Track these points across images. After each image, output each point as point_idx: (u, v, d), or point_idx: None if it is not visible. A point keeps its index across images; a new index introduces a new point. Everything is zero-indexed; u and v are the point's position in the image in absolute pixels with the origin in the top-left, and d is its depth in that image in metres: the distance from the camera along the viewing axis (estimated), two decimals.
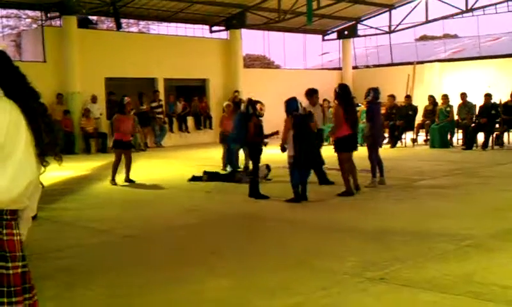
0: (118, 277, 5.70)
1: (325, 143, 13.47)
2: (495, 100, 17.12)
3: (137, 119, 17.69)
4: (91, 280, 5.60)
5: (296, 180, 9.28)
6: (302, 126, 9.23)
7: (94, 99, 19.71)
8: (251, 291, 5.12)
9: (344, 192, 9.66)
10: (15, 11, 26.84)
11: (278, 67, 33.28)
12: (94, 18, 24.43)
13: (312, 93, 11.28)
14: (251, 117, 9.81)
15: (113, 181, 11.84)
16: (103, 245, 7.10)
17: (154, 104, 20.99)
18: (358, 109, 13.02)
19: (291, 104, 9.44)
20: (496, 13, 25.36)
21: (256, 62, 37.17)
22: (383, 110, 14.35)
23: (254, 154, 9.87)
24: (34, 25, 24.03)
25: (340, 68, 28.71)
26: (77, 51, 19.25)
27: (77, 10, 18.92)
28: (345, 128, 9.70)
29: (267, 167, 11.65)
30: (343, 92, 10.00)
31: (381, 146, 11.14)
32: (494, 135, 16.65)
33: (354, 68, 28.60)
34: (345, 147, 9.78)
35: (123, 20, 23.58)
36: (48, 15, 20.19)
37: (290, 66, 29.81)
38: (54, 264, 6.11)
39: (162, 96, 21.86)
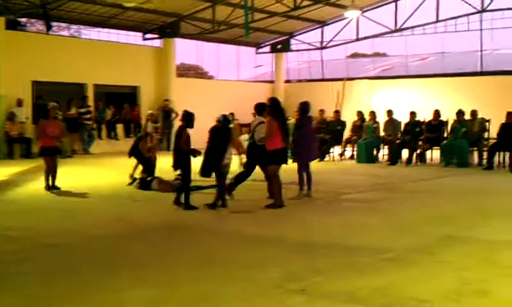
0: (35, 287, 5.53)
1: None
2: (420, 118, 17.71)
3: (65, 124, 17.33)
4: (5, 290, 5.42)
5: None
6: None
7: (19, 103, 19.15)
8: (174, 302, 5.08)
9: (273, 205, 9.73)
10: None
11: (211, 77, 33.28)
12: (23, 19, 23.79)
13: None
14: (185, 128, 9.87)
15: (48, 187, 11.69)
16: (20, 254, 6.88)
17: (83, 110, 20.60)
18: (288, 122, 13.14)
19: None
20: (424, 33, 26.30)
21: (190, 71, 37.05)
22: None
23: (185, 164, 9.82)
24: None
25: (272, 81, 29.02)
26: (3, 53, 18.68)
27: (4, 12, 18.34)
28: (278, 142, 9.78)
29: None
30: (275, 106, 10.08)
31: (310, 160, 11.17)
32: (418, 151, 17.19)
33: (287, 81, 28.96)
34: (276, 160, 9.87)
35: (54, 24, 23.07)
36: None
37: (223, 77, 29.89)
38: None
39: (91, 102, 21.47)
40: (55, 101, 14.13)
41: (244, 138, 17.46)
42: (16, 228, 8.35)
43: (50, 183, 11.76)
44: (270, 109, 10.08)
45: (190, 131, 9.91)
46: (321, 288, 5.39)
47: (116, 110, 22.46)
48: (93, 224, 8.78)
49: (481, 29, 24.78)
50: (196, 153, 9.82)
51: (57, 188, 11.76)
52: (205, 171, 9.84)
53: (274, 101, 10.28)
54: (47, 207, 10.21)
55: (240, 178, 10.80)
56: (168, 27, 23.73)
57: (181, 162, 9.83)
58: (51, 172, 11.77)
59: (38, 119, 14.82)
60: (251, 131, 10.71)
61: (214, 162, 9.72)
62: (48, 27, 19.70)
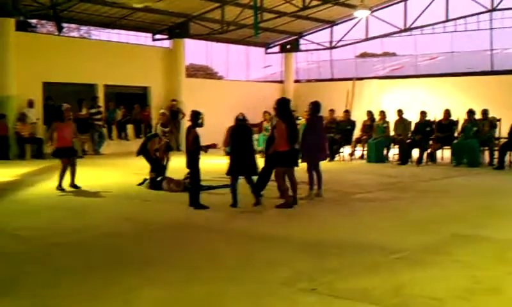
0: (46, 287, 5.55)
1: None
2: (430, 117, 17.64)
3: (75, 125, 17.38)
4: (16, 290, 5.44)
5: None
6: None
7: (30, 103, 19.25)
8: (184, 302, 5.10)
9: (283, 204, 9.73)
10: None
11: (221, 78, 33.32)
12: (34, 21, 23.92)
13: None
14: (193, 128, 9.87)
15: (60, 187, 11.73)
16: (31, 253, 6.92)
17: (93, 110, 20.67)
18: (298, 122, 13.14)
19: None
20: (433, 33, 26.21)
21: (200, 72, 37.08)
22: None
23: (193, 163, 9.85)
24: None
25: (282, 81, 29.02)
26: (14, 54, 18.75)
27: (15, 14, 18.45)
28: (284, 144, 9.70)
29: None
30: (283, 107, 10.01)
31: (320, 160, 11.18)
32: (428, 151, 17.13)
33: (296, 81, 28.95)
34: (283, 162, 9.83)
35: (64, 25, 23.16)
36: None
37: (233, 77, 29.92)
38: None
39: (102, 102, 21.56)
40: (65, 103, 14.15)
41: (255, 138, 17.47)
42: (27, 227, 8.39)
43: (70, 181, 11.88)
44: (277, 110, 10.01)
45: (200, 130, 9.93)
46: (333, 287, 5.38)
47: (127, 111, 22.53)
48: (103, 223, 8.83)
49: (491, 28, 24.66)
50: (206, 148, 9.89)
51: (77, 187, 11.89)
52: (233, 171, 9.83)
53: (281, 102, 10.09)
54: (58, 207, 10.25)
55: (263, 179, 10.63)
56: (177, 28, 23.77)
57: (191, 162, 9.87)
58: (71, 172, 11.88)
59: (49, 120, 14.90)
60: (272, 128, 10.67)
61: (245, 163, 9.75)
62: (60, 29, 19.76)
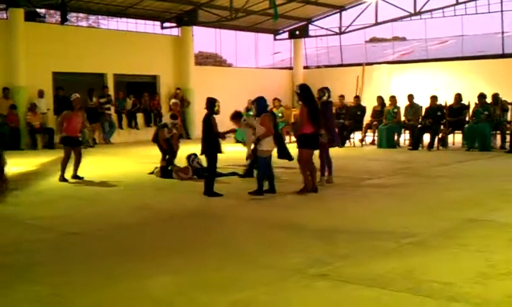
0: (61, 275, 5.59)
1: None
2: (441, 102, 17.55)
3: (85, 115, 17.45)
4: (33, 278, 5.48)
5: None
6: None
7: (41, 94, 19.33)
8: (196, 288, 5.11)
9: (304, 189, 9.76)
10: None
11: (230, 65, 33.27)
12: (42, 11, 23.94)
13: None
14: (211, 115, 9.88)
15: (62, 178, 11.67)
16: (46, 243, 6.95)
17: (103, 100, 20.73)
18: None
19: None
20: (444, 16, 25.99)
21: (209, 60, 37.07)
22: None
23: (210, 151, 9.84)
24: None
25: (291, 68, 28.93)
26: (23, 44, 18.84)
27: (24, 4, 18.49)
28: (308, 127, 9.75)
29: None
30: (304, 92, 10.01)
31: (338, 146, 11.33)
32: (439, 136, 17.05)
33: (305, 68, 28.85)
34: (307, 144, 9.85)
35: (73, 14, 23.17)
36: None
37: (242, 64, 29.88)
38: None
39: (111, 92, 21.60)
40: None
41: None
42: (41, 217, 8.43)
43: (73, 173, 11.84)
44: (300, 95, 10.03)
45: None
46: (344, 272, 5.38)
47: (136, 100, 22.56)
48: (117, 212, 8.86)
49: (502, 11, 24.40)
50: (223, 135, 10.04)
51: (81, 178, 11.83)
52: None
53: (304, 87, 10.13)
54: (72, 197, 10.27)
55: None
56: (186, 16, 23.71)
57: (210, 149, 9.86)
58: (75, 162, 11.86)
59: (60, 110, 14.91)
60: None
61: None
62: (64, 19, 19.73)
